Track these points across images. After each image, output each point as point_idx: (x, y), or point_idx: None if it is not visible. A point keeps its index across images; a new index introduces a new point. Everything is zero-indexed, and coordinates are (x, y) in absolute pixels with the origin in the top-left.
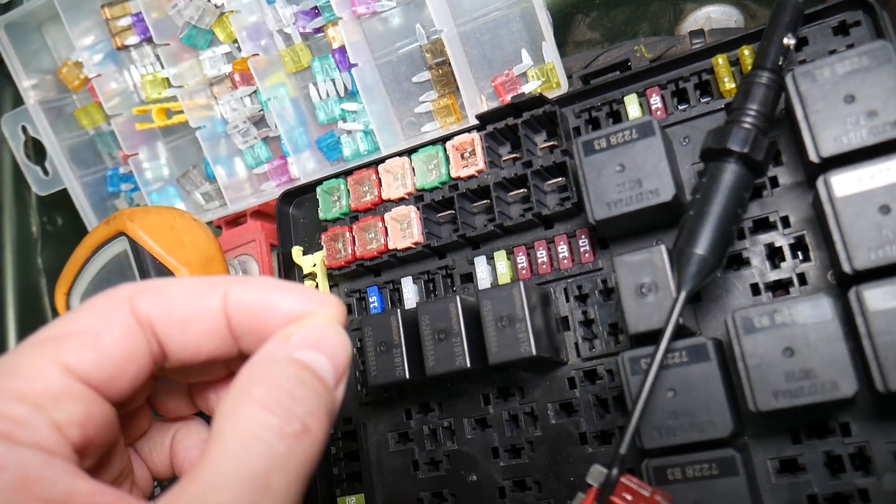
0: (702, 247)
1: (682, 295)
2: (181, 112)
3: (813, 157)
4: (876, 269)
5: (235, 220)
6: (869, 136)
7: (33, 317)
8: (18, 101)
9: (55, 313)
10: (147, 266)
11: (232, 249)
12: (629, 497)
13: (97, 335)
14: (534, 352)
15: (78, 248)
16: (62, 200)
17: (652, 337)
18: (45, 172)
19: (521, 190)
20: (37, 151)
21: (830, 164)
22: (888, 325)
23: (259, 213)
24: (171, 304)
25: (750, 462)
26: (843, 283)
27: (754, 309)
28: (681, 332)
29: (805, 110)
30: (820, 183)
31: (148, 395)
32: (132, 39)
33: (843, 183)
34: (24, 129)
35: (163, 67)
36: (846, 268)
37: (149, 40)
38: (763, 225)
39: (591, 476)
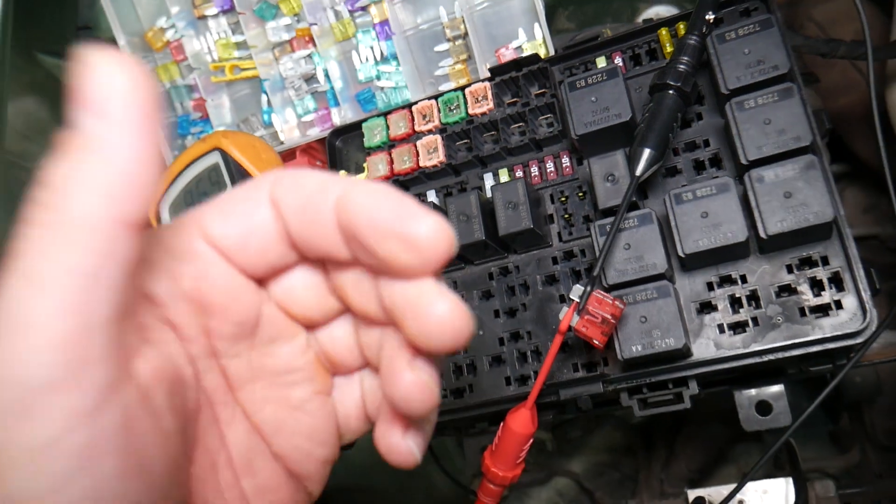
0: (648, 145)
1: (635, 179)
2: (247, 69)
3: (723, 90)
4: (763, 159)
5: (287, 157)
6: (758, 76)
7: None
8: None
9: None
10: (234, 173)
11: None
12: (597, 304)
13: (233, 208)
14: (531, 225)
15: (174, 162)
16: None
17: (615, 211)
18: None
19: (520, 124)
20: None
21: (734, 94)
22: (768, 193)
23: (306, 151)
24: (300, 194)
25: (678, 292)
26: (741, 172)
27: (682, 189)
28: (634, 206)
29: (718, 59)
30: (727, 107)
31: None
32: (211, 10)
33: (742, 105)
34: None
35: (233, 34)
36: (743, 160)
37: (224, 11)
38: (691, 146)
39: (574, 293)
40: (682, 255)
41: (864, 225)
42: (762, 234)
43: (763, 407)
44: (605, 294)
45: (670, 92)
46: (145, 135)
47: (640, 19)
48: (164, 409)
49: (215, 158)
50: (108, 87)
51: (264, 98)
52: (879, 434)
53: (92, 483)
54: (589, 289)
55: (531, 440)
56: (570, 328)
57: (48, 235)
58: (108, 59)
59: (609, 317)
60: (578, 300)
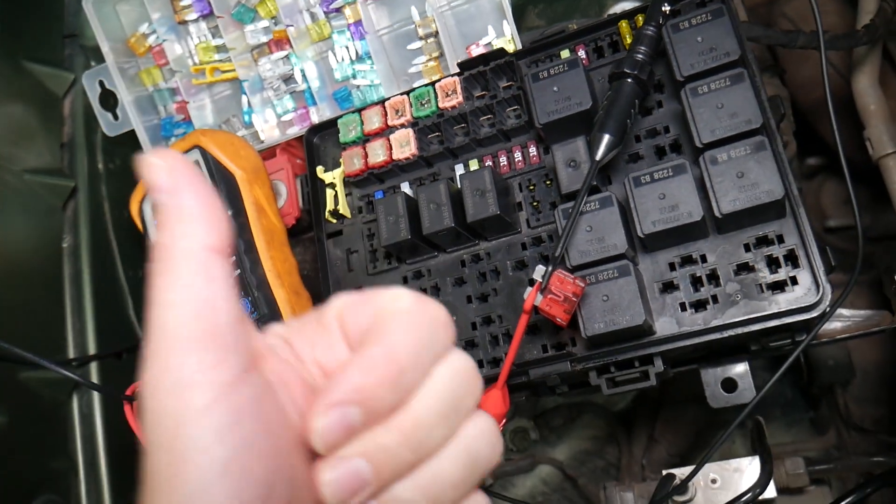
0: (607, 131)
1: (595, 164)
2: (227, 72)
3: (678, 77)
4: (716, 142)
5: (268, 156)
6: (711, 62)
7: (101, 232)
8: (87, 64)
9: (117, 229)
10: (213, 170)
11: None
12: (560, 283)
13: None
14: (498, 211)
15: None
16: (121, 144)
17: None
18: (115, 118)
19: (489, 116)
20: (103, 103)
21: (689, 80)
22: (722, 173)
23: (285, 149)
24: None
25: (639, 272)
26: (697, 155)
27: (641, 172)
28: (596, 190)
29: (673, 48)
30: (682, 93)
31: None
32: (191, 15)
33: (696, 91)
34: (101, 83)
35: (213, 38)
36: (698, 143)
37: (203, 16)
38: (652, 133)
39: (536, 273)
40: (642, 236)
41: (843, 216)
42: (717, 214)
43: (728, 384)
44: (567, 274)
45: (628, 80)
46: (200, 190)
47: (605, 14)
48: (280, 400)
49: (195, 156)
50: (165, 174)
51: (244, 99)
52: (860, 418)
53: (241, 437)
54: (550, 268)
55: (504, 420)
56: (534, 308)
57: (168, 264)
58: (156, 157)
59: (571, 295)
60: (541, 280)
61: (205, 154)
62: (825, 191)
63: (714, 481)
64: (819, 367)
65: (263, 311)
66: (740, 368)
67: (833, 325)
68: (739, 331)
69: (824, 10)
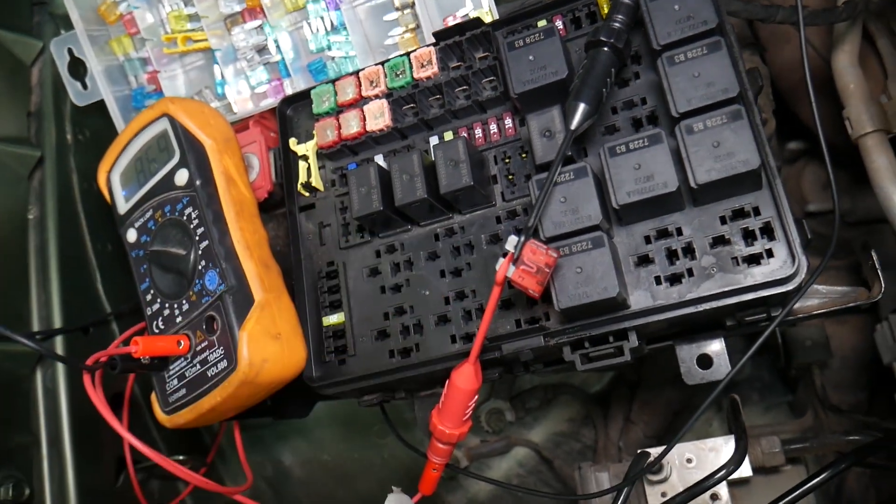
0: (582, 99)
1: (570, 133)
2: (199, 41)
3: (655, 46)
4: (692, 111)
5: (241, 128)
6: (688, 30)
7: (70, 204)
8: (56, 32)
9: (85, 201)
10: (183, 140)
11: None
12: (532, 254)
13: None
14: (472, 182)
15: (122, 132)
16: (91, 114)
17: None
18: (84, 87)
19: (464, 87)
20: (72, 72)
21: (665, 49)
22: (697, 143)
23: (259, 121)
24: None
25: (614, 245)
26: (673, 125)
27: (616, 142)
28: (570, 160)
29: (650, 16)
30: (658, 62)
31: None
32: None
33: (672, 59)
34: (69, 51)
35: (185, 6)
36: (674, 112)
37: None
38: (629, 104)
39: (509, 244)
40: (617, 207)
41: (823, 200)
42: (692, 184)
43: (703, 360)
44: (540, 244)
45: (604, 49)
46: None
47: None
48: None
49: (164, 125)
50: None
51: (217, 70)
52: (839, 403)
53: None
54: (523, 239)
55: (476, 397)
56: (507, 280)
57: None
58: None
59: (544, 266)
60: (514, 251)
61: (174, 123)
62: (805, 175)
63: (689, 461)
64: (796, 347)
65: (231, 282)
66: (716, 345)
67: (809, 302)
68: (715, 304)
69: None
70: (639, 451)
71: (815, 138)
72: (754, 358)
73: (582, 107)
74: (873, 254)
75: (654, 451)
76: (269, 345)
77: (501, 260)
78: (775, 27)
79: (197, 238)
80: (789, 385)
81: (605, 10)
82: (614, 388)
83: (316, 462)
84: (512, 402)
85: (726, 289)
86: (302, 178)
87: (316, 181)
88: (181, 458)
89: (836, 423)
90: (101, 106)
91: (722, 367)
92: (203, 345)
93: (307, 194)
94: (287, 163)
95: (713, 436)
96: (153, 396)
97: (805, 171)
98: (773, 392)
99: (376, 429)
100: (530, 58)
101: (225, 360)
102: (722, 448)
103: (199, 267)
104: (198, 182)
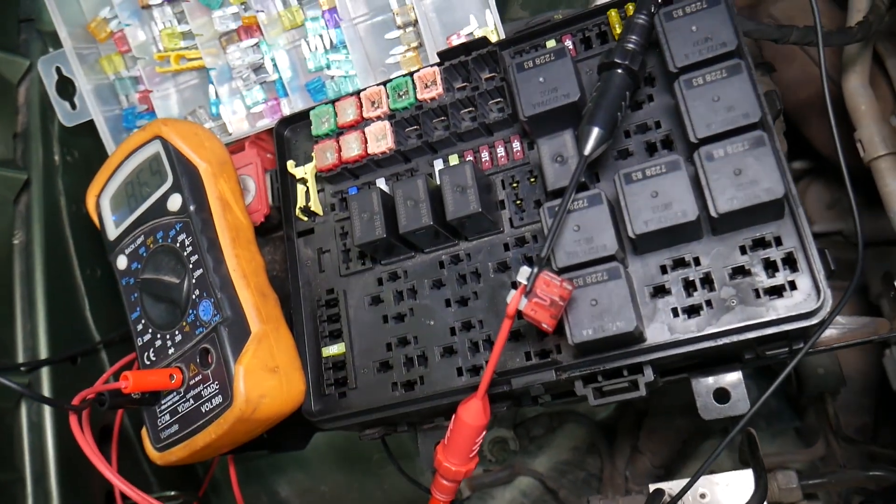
0: (596, 123)
1: (584, 158)
2: (193, 59)
3: (672, 68)
4: (712, 136)
5: (236, 149)
6: (707, 52)
7: (56, 228)
8: (44, 50)
9: (74, 226)
10: (176, 163)
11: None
12: (545, 286)
13: None
14: (479, 209)
15: (113, 154)
16: (80, 135)
17: (564, 192)
18: (73, 107)
19: (470, 108)
20: (61, 91)
21: (683, 71)
22: (718, 170)
23: (255, 142)
24: None
25: (629, 275)
26: (692, 151)
27: (632, 168)
28: (583, 186)
29: (666, 37)
30: (676, 85)
31: None
32: (155, 0)
33: (691, 82)
34: (58, 69)
35: (179, 24)
36: (692, 138)
37: (169, 0)
38: (643, 128)
39: (521, 275)
40: (633, 237)
41: (827, 221)
42: (713, 213)
43: (721, 394)
44: (554, 276)
45: (618, 70)
46: None
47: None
48: None
49: (156, 148)
50: None
51: (212, 89)
52: (843, 426)
53: None
54: (536, 270)
55: (484, 432)
56: (518, 313)
57: None
58: None
59: (558, 299)
60: (526, 282)
61: (166, 145)
62: (809, 195)
63: (703, 496)
64: (809, 375)
65: (227, 313)
66: (733, 378)
67: (828, 333)
68: (735, 338)
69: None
70: (653, 489)
71: (820, 158)
72: (761, 383)
73: (596, 131)
74: None
75: (667, 486)
76: (267, 379)
77: (513, 292)
78: (779, 46)
79: (191, 266)
80: (798, 411)
81: (617, 30)
82: (621, 416)
83: (314, 494)
84: (516, 429)
85: (747, 322)
86: (300, 202)
87: (315, 205)
88: (172, 493)
89: (848, 452)
90: (90, 126)
91: (740, 401)
92: (197, 379)
93: (306, 219)
94: (285, 186)
95: (719, 466)
96: (144, 431)
97: (809, 191)
98: (780, 419)
99: (376, 458)
100: (540, 79)
101: (220, 396)
102: (734, 482)
103: (193, 296)
104: (192, 207)
